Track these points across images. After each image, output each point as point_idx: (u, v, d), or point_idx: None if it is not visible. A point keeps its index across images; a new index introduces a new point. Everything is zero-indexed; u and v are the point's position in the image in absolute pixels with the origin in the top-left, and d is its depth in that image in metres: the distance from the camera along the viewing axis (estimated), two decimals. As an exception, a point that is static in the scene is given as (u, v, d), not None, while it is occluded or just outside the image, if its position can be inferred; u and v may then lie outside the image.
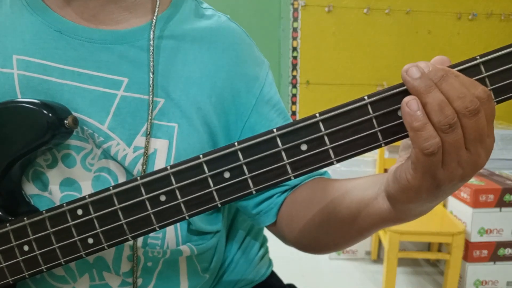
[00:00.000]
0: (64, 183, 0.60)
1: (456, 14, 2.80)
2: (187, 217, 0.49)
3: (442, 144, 0.41)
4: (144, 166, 0.59)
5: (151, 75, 0.60)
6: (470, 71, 0.42)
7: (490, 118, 0.42)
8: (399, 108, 0.43)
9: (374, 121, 0.44)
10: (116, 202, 0.50)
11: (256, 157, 0.46)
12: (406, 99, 0.41)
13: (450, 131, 0.40)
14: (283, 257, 2.43)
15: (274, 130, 0.46)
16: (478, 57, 0.42)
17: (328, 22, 2.75)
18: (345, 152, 0.45)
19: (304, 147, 0.46)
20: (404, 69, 0.42)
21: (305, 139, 0.45)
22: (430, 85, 0.41)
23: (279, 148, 0.46)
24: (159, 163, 0.60)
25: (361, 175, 2.47)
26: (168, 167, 0.48)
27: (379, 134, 0.44)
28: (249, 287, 0.78)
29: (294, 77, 2.80)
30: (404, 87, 0.42)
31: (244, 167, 0.46)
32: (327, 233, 0.61)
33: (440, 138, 0.41)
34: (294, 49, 2.77)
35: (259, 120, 0.66)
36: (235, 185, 0.47)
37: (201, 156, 0.47)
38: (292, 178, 0.47)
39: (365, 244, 2.42)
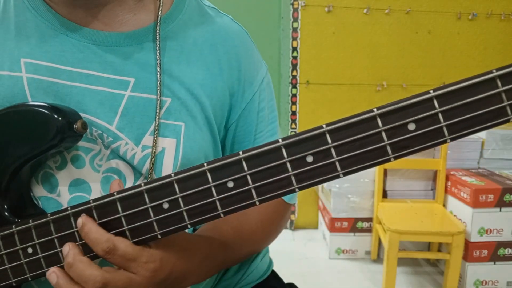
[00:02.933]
0: (73, 184, 0.61)
1: (456, 14, 2.80)
2: (189, 226, 0.49)
3: None
4: (152, 165, 0.60)
5: (158, 75, 0.60)
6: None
7: (125, 262, 0.50)
8: (409, 122, 0.42)
9: (383, 134, 0.43)
10: (119, 208, 0.50)
11: (260, 168, 0.45)
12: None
13: None
14: (283, 257, 2.43)
15: (280, 140, 0.45)
16: (494, 70, 0.40)
17: (328, 22, 2.75)
18: (352, 165, 0.44)
19: (310, 158, 0.44)
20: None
21: (311, 151, 0.44)
22: None
23: (284, 160, 0.45)
24: (167, 161, 0.61)
25: (361, 175, 2.47)
26: (172, 174, 0.48)
27: (388, 147, 0.43)
28: (249, 286, 0.78)
29: (294, 77, 2.80)
30: (414, 100, 0.42)
31: (248, 178, 0.46)
32: None
33: None
34: (294, 49, 2.77)
35: (241, 124, 0.69)
36: (238, 195, 0.46)
37: (205, 164, 0.47)
38: (297, 190, 0.46)
39: (365, 244, 2.43)
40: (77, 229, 0.51)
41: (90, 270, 0.48)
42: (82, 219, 0.50)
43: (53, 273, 0.50)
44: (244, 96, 0.68)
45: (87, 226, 0.50)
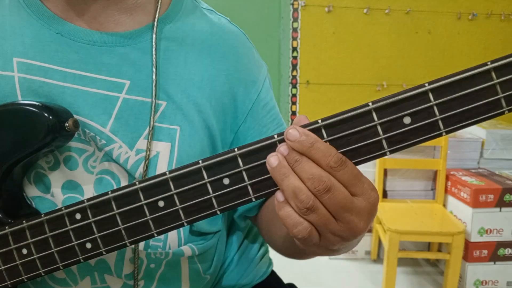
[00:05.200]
0: (66, 186, 0.60)
1: (456, 14, 2.80)
2: (185, 224, 0.48)
3: (310, 222, 0.43)
4: (145, 170, 0.59)
5: (154, 78, 0.59)
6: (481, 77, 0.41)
7: (352, 179, 0.43)
8: (405, 115, 0.42)
9: (379, 128, 0.42)
10: (114, 207, 0.49)
11: (256, 163, 0.45)
12: (277, 192, 0.44)
13: (310, 213, 0.42)
14: (283, 257, 2.43)
15: (275, 136, 0.45)
16: (489, 63, 0.41)
17: (328, 22, 2.75)
18: (349, 159, 0.43)
19: None
20: (267, 159, 0.44)
21: None
22: (284, 172, 0.43)
23: None
24: (161, 166, 0.60)
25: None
26: (167, 172, 0.47)
27: (384, 141, 0.43)
28: (249, 287, 0.77)
29: (294, 77, 2.80)
30: (409, 94, 0.42)
31: (244, 174, 0.45)
32: (291, 246, 0.62)
33: (306, 219, 0.43)
34: (294, 49, 2.77)
35: (252, 125, 0.67)
36: (235, 192, 0.46)
37: (200, 161, 0.46)
38: None
39: (365, 244, 2.42)
40: (72, 227, 0.51)
41: (315, 168, 0.42)
42: (299, 129, 0.43)
43: (274, 156, 0.43)
44: (249, 96, 0.67)
45: (312, 134, 0.43)
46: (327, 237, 0.44)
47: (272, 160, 0.43)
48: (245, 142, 0.66)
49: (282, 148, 0.43)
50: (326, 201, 0.42)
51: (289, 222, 0.43)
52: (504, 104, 0.40)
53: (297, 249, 0.61)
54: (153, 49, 0.60)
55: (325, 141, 0.44)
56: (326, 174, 0.42)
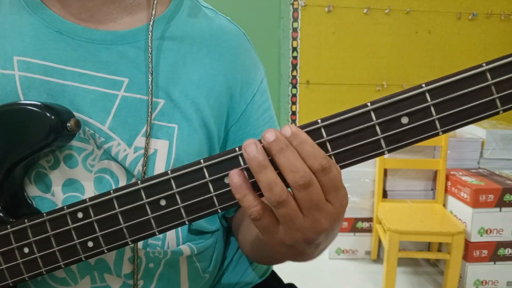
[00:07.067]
0: (67, 184, 0.60)
1: (456, 14, 2.80)
2: (186, 222, 0.49)
3: (277, 214, 0.44)
4: (144, 168, 0.59)
5: (150, 77, 0.60)
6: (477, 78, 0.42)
7: (330, 187, 0.43)
8: (402, 115, 0.43)
9: (377, 128, 0.44)
10: (116, 206, 0.50)
11: None
12: (232, 171, 0.44)
13: (280, 207, 0.43)
14: (283, 257, 2.43)
15: None
16: (484, 64, 0.42)
17: (328, 22, 2.75)
18: (347, 158, 0.45)
19: None
20: (243, 145, 0.43)
21: None
22: (262, 164, 0.42)
23: None
24: (159, 163, 0.60)
25: (361, 175, 2.46)
26: (169, 172, 0.48)
27: (382, 141, 0.44)
28: (249, 286, 0.77)
29: (294, 77, 2.80)
30: (407, 94, 0.43)
31: (245, 173, 0.46)
32: (258, 250, 0.64)
33: (275, 212, 0.44)
34: (294, 49, 2.77)
35: (244, 126, 0.68)
36: None
37: (201, 161, 0.47)
38: None
39: (365, 244, 2.43)
40: (73, 226, 0.51)
41: (300, 162, 0.42)
42: (292, 127, 0.43)
43: (253, 144, 0.43)
44: (244, 97, 0.67)
45: (303, 134, 0.43)
46: (290, 232, 0.45)
47: (252, 148, 0.43)
48: (234, 142, 0.68)
49: (267, 134, 0.42)
50: (301, 196, 0.43)
51: (245, 204, 0.44)
52: (499, 104, 0.41)
53: (263, 253, 0.63)
54: (149, 49, 0.60)
55: (324, 141, 0.44)
56: (309, 171, 0.42)
